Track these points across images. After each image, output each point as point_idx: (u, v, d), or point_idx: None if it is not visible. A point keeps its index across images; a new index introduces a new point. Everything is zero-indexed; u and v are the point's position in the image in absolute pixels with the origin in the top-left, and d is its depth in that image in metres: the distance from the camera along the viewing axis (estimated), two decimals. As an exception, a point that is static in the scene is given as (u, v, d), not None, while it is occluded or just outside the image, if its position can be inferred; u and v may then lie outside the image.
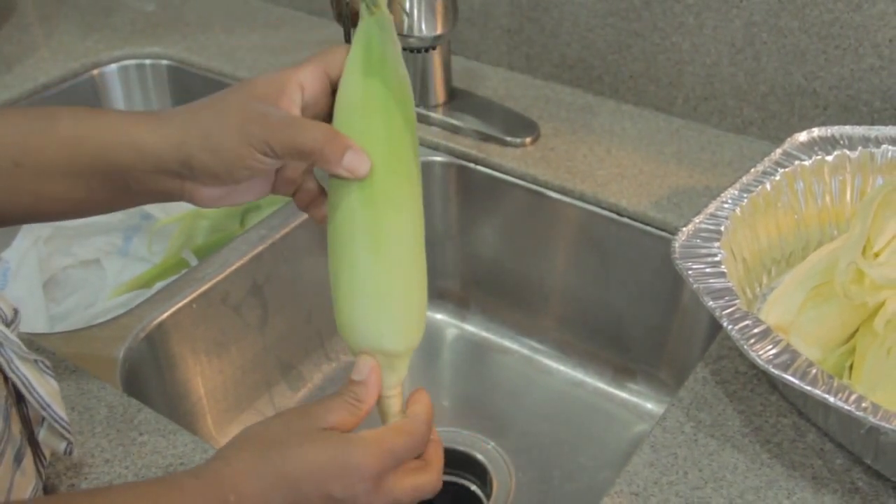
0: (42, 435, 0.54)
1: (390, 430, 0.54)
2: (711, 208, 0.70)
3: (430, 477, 0.55)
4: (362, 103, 0.54)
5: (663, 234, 0.85)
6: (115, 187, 0.57)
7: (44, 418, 0.53)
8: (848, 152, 0.75)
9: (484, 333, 1.03)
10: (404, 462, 0.54)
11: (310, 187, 0.60)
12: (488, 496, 0.87)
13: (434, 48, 0.97)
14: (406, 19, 0.93)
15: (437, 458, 0.56)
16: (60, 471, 0.62)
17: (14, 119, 0.58)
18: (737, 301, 0.61)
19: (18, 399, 0.52)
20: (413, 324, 0.55)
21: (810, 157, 0.75)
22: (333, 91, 0.56)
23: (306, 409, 0.54)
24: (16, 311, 0.52)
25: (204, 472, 0.51)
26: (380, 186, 0.53)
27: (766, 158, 0.74)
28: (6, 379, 0.51)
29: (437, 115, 0.99)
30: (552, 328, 0.99)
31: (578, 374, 0.98)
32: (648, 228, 0.86)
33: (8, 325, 0.51)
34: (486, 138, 0.97)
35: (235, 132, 0.53)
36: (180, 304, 0.81)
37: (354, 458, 0.51)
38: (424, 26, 0.93)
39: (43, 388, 0.52)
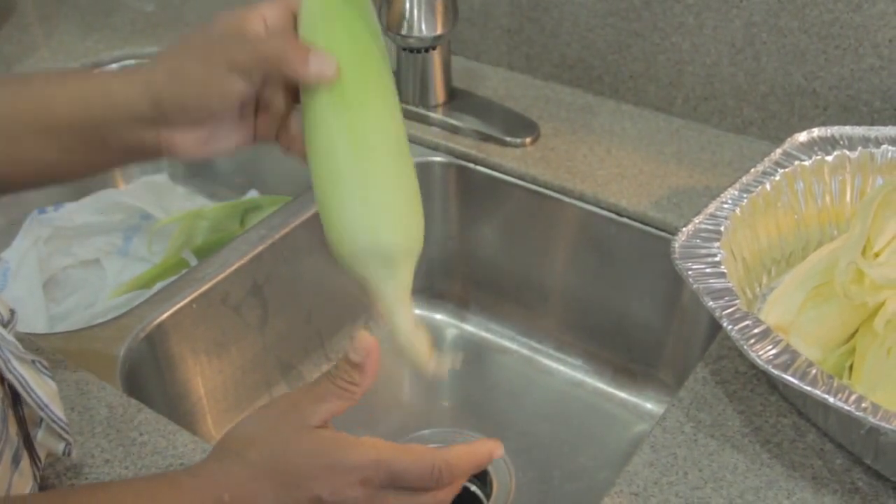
0: (40, 436, 0.54)
1: (397, 448, 0.51)
2: (711, 208, 0.70)
3: (433, 499, 0.52)
4: (322, 16, 0.54)
5: (663, 234, 0.85)
6: (89, 144, 0.56)
7: (42, 419, 0.53)
8: (848, 152, 0.75)
9: (484, 333, 1.03)
10: (404, 485, 0.51)
11: (292, 126, 0.59)
12: (488, 496, 0.87)
13: (434, 48, 0.97)
14: (406, 20, 0.93)
15: (448, 488, 0.52)
16: (60, 471, 0.62)
17: None
18: (737, 301, 0.61)
19: (14, 400, 0.52)
20: (408, 218, 0.53)
21: (810, 158, 0.75)
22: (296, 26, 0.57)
23: (296, 402, 0.51)
24: (12, 312, 0.52)
25: (200, 471, 0.51)
26: (350, 87, 0.52)
27: (766, 158, 0.74)
28: (2, 380, 0.51)
29: (436, 116, 0.99)
30: (552, 328, 0.99)
31: (578, 375, 0.98)
32: (648, 228, 0.86)
33: (5, 325, 0.51)
34: (486, 138, 0.97)
35: (201, 59, 0.53)
36: (180, 305, 0.81)
37: (347, 461, 0.50)
38: (424, 26, 0.93)
39: (41, 388, 0.52)
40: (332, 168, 0.52)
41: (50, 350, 0.72)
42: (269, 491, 0.50)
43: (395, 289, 0.53)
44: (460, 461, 0.52)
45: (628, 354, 0.95)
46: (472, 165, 0.96)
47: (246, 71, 0.53)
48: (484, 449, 0.53)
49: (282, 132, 0.59)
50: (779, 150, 0.75)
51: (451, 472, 0.51)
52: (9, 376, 0.50)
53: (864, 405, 0.54)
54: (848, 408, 0.54)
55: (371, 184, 0.52)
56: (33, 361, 0.52)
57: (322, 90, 0.53)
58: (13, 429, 0.52)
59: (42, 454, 0.56)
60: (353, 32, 0.54)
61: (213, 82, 0.53)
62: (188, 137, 0.56)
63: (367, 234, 0.51)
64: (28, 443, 0.54)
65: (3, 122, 0.55)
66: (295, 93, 0.58)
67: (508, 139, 0.96)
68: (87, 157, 0.57)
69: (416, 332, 0.53)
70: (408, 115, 1.00)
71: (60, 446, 0.55)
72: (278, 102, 0.58)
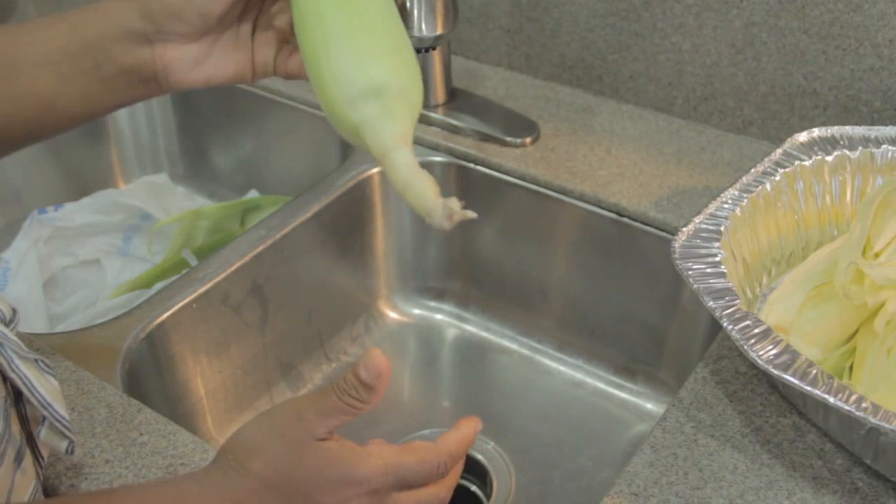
0: (43, 434, 0.54)
1: (401, 451, 0.52)
2: (711, 208, 0.70)
3: (437, 490, 0.53)
4: None
5: (663, 234, 0.85)
6: (86, 71, 0.56)
7: (44, 418, 0.53)
8: (848, 152, 0.75)
9: (484, 333, 1.03)
10: (411, 485, 0.52)
11: (289, 48, 0.58)
12: (488, 496, 0.87)
13: (434, 48, 0.97)
14: (406, 20, 0.93)
15: (451, 476, 0.54)
16: (60, 471, 0.62)
17: None
18: (737, 301, 0.61)
19: (17, 398, 0.52)
20: (398, 55, 0.51)
21: (810, 158, 0.75)
22: None
23: (302, 413, 0.51)
24: (14, 311, 0.52)
25: (205, 479, 0.51)
26: None
27: (766, 158, 0.74)
28: (5, 379, 0.51)
29: (436, 116, 0.99)
30: (552, 328, 0.99)
31: (578, 375, 0.98)
32: (648, 228, 0.86)
33: (7, 324, 0.51)
34: (486, 138, 0.97)
35: None
36: (180, 305, 0.81)
37: (354, 472, 0.50)
38: (424, 26, 0.93)
39: (44, 387, 0.52)
40: (318, 25, 0.51)
41: (50, 350, 0.72)
42: (274, 502, 0.50)
43: (392, 130, 0.49)
44: (458, 448, 0.53)
45: (628, 354, 0.95)
46: (472, 165, 0.96)
47: None
48: (469, 429, 0.55)
49: (279, 58, 0.58)
50: (779, 150, 0.75)
51: (453, 462, 0.53)
52: (12, 375, 0.50)
53: (864, 405, 0.54)
54: (848, 408, 0.54)
55: (358, 28, 0.50)
56: (36, 360, 0.52)
57: None
58: (16, 427, 0.52)
59: (45, 453, 0.56)
60: None
61: None
62: (183, 55, 0.55)
63: (358, 75, 0.49)
64: (31, 441, 0.54)
65: (3, 59, 0.55)
66: (290, 19, 0.57)
67: (508, 139, 0.96)
68: (83, 87, 0.56)
69: (418, 171, 0.48)
70: (408, 115, 1.00)
71: (63, 444, 0.55)
72: (275, 25, 0.58)
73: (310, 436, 0.50)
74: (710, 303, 0.62)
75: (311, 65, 0.52)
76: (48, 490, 0.61)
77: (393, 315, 1.04)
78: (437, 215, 0.48)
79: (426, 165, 0.97)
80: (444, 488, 0.53)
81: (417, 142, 0.98)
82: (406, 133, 0.49)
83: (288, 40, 0.59)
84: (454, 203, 0.48)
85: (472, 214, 0.48)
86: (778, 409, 0.65)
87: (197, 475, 0.51)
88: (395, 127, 0.49)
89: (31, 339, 0.74)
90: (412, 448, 0.52)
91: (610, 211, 0.88)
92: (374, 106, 0.49)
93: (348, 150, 1.02)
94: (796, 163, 0.74)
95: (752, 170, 0.73)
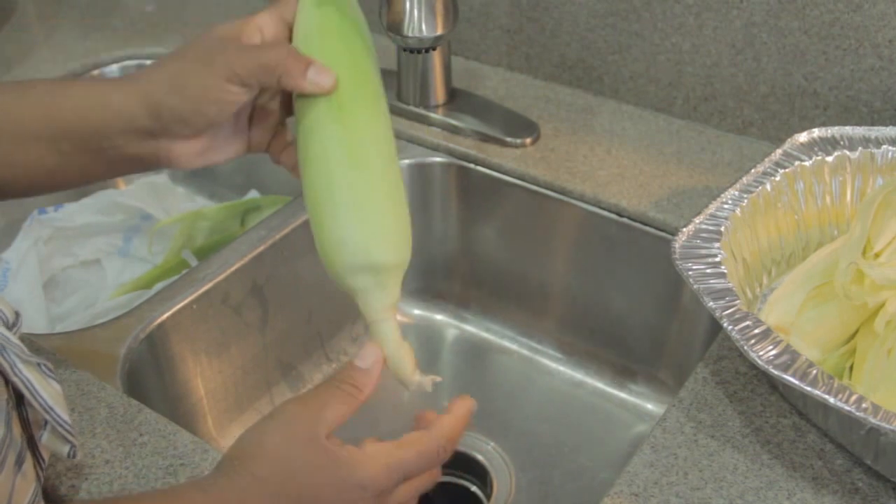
0: (45, 439, 0.54)
1: (400, 447, 0.53)
2: (711, 209, 0.70)
3: (431, 473, 0.55)
4: (319, 30, 0.55)
5: (663, 234, 0.85)
6: (89, 152, 0.56)
7: (46, 422, 0.53)
8: (848, 153, 0.75)
9: (484, 334, 1.03)
10: (414, 475, 0.53)
11: (284, 136, 0.60)
12: (488, 497, 0.87)
13: (434, 49, 0.97)
14: (406, 21, 0.93)
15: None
16: (61, 471, 0.61)
17: None
18: (737, 301, 0.61)
19: (18, 402, 0.52)
20: (399, 234, 0.54)
21: (810, 158, 0.75)
22: (290, 37, 0.57)
23: (301, 410, 0.52)
24: (17, 314, 0.52)
25: (209, 486, 0.51)
26: (348, 100, 0.53)
27: (766, 159, 0.74)
28: (7, 382, 0.51)
29: (436, 116, 0.99)
30: (552, 329, 0.99)
31: (579, 375, 0.98)
32: (648, 229, 0.86)
33: (10, 328, 0.51)
34: (486, 139, 0.97)
35: (200, 66, 0.53)
36: (180, 305, 0.81)
37: (359, 477, 0.50)
38: (424, 27, 0.93)
39: (46, 391, 0.52)
40: (326, 181, 0.53)
41: (50, 350, 0.72)
42: None
43: (383, 302, 0.54)
44: (454, 430, 0.55)
45: (628, 355, 0.95)
46: (472, 166, 0.96)
47: (244, 81, 0.53)
48: (464, 409, 0.57)
49: (274, 142, 0.60)
50: (779, 151, 0.75)
51: (452, 445, 0.55)
52: (14, 379, 0.50)
53: (864, 406, 0.54)
54: (848, 408, 0.54)
55: (364, 200, 0.52)
56: (38, 364, 0.52)
57: (318, 102, 0.53)
58: (17, 431, 0.52)
59: (46, 456, 0.56)
60: (351, 49, 0.55)
61: (212, 92, 0.53)
62: (186, 148, 0.56)
63: (359, 251, 0.52)
64: (32, 444, 0.54)
65: (4, 128, 0.56)
66: (288, 103, 0.58)
67: (508, 139, 0.96)
68: (85, 164, 0.57)
69: (402, 344, 0.55)
70: (408, 116, 1.00)
71: (65, 449, 0.55)
72: (272, 112, 0.59)
73: (313, 434, 0.51)
74: (711, 303, 0.62)
75: (310, 207, 0.54)
76: (48, 491, 0.61)
77: (393, 315, 1.04)
78: (411, 387, 0.55)
79: (426, 165, 0.98)
80: (436, 471, 0.56)
81: (418, 142, 0.98)
82: (395, 298, 0.54)
83: (281, 123, 0.60)
84: (427, 383, 0.56)
85: (436, 380, 0.56)
86: (778, 410, 0.65)
87: (201, 482, 0.51)
88: (386, 299, 0.54)
89: (31, 340, 0.74)
90: (409, 441, 0.53)
91: (610, 211, 0.88)
92: (370, 279, 0.53)
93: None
94: (796, 163, 0.74)
95: (753, 170, 0.73)
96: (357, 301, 0.55)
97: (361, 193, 0.52)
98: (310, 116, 0.54)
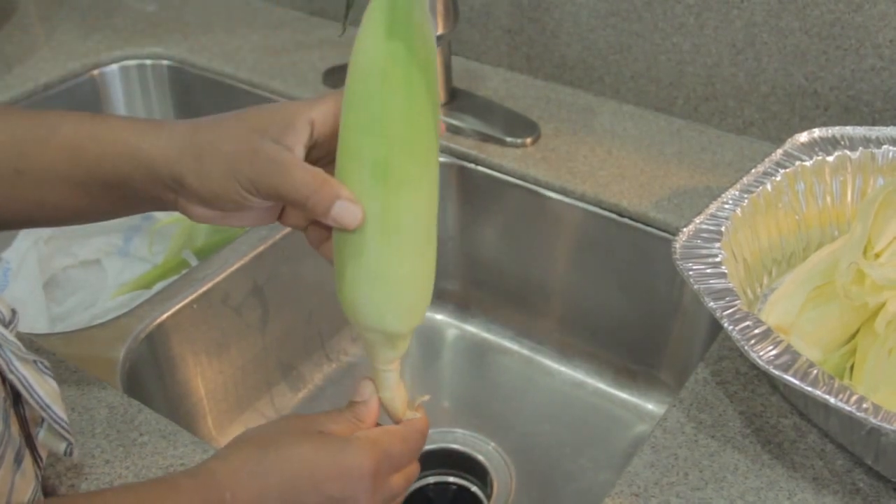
0: (42, 436, 0.54)
1: (387, 433, 0.55)
2: (712, 209, 0.70)
3: (415, 465, 0.58)
4: (382, 73, 0.48)
5: (664, 234, 0.85)
6: (115, 195, 0.57)
7: (43, 419, 0.53)
8: (849, 153, 0.75)
9: (484, 334, 1.03)
10: (400, 466, 0.55)
11: (323, 227, 0.55)
12: (489, 497, 0.87)
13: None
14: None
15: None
16: (60, 471, 0.61)
17: (15, 124, 0.57)
18: (737, 302, 0.61)
19: (16, 400, 0.52)
20: (418, 307, 0.53)
21: (811, 158, 0.75)
22: None
23: (308, 415, 0.55)
24: (14, 312, 0.52)
25: (201, 471, 0.51)
26: (395, 167, 0.49)
27: (766, 159, 0.74)
28: (4, 380, 0.51)
29: (437, 116, 0.99)
30: (553, 329, 0.99)
31: (579, 375, 0.98)
32: (649, 229, 0.86)
33: (6, 325, 0.51)
34: (487, 139, 0.96)
35: (224, 164, 0.51)
36: (181, 305, 0.81)
37: (352, 458, 0.51)
38: (425, 27, 0.93)
39: (42, 388, 0.52)
40: (356, 242, 0.50)
41: (50, 350, 0.72)
42: (274, 489, 0.50)
43: (388, 356, 0.55)
44: (424, 423, 0.58)
45: (629, 355, 0.95)
46: (472, 166, 0.96)
47: (264, 197, 0.51)
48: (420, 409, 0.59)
49: (313, 230, 0.56)
50: (780, 151, 0.75)
51: (423, 437, 0.57)
52: (10, 377, 0.50)
53: (865, 406, 0.54)
54: (849, 409, 0.54)
55: (389, 272, 0.51)
56: (35, 361, 0.52)
57: (364, 161, 0.49)
58: (15, 428, 0.52)
59: (44, 454, 0.56)
60: (413, 104, 0.49)
61: (230, 194, 0.52)
62: (204, 212, 0.55)
63: (373, 316, 0.52)
64: (30, 442, 0.54)
65: (31, 166, 0.56)
66: None
67: (509, 139, 0.96)
68: (112, 204, 0.58)
69: (398, 390, 0.57)
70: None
71: (62, 446, 0.55)
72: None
73: (313, 428, 0.53)
74: (711, 303, 0.61)
75: (337, 259, 0.52)
76: (48, 491, 0.61)
77: (393, 315, 1.04)
78: (398, 420, 0.58)
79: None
80: (416, 462, 0.58)
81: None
82: (401, 353, 0.55)
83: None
84: (410, 415, 0.59)
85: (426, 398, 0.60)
86: (779, 410, 0.65)
87: (192, 469, 0.52)
88: (392, 354, 0.55)
89: (31, 340, 0.74)
90: (390, 430, 0.56)
91: (610, 211, 0.88)
92: (381, 337, 0.54)
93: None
94: (797, 163, 0.74)
95: (753, 170, 0.73)
96: (365, 347, 0.56)
97: (389, 268, 0.50)
98: (354, 171, 0.50)
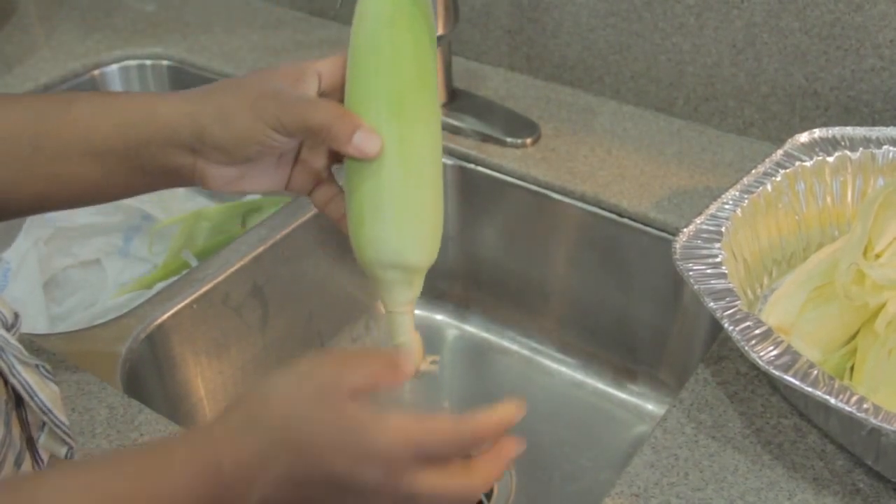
0: (43, 439, 0.54)
1: (424, 422, 0.46)
2: (712, 209, 0.70)
3: (469, 482, 0.47)
4: (390, 19, 0.53)
5: (664, 234, 0.85)
6: (130, 166, 0.57)
7: (44, 423, 0.53)
8: (849, 153, 0.75)
9: (484, 334, 1.03)
10: (438, 461, 0.47)
11: (329, 187, 0.59)
12: (489, 497, 0.87)
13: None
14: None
15: (489, 464, 0.49)
16: (61, 472, 0.61)
17: (32, 104, 0.58)
18: (738, 302, 0.61)
19: (17, 402, 0.52)
20: (435, 238, 0.54)
21: (811, 158, 0.75)
22: None
23: (327, 364, 0.48)
24: (16, 315, 0.52)
25: (197, 436, 0.48)
26: (409, 103, 0.52)
27: (766, 159, 0.74)
28: (6, 384, 0.51)
29: (437, 116, 0.99)
30: (553, 329, 0.99)
31: (579, 375, 0.98)
32: (649, 229, 0.86)
33: (9, 329, 0.51)
34: (487, 139, 0.96)
35: (249, 106, 0.53)
36: (181, 305, 0.81)
37: (371, 439, 0.45)
38: (425, 27, 0.93)
39: (44, 392, 0.51)
40: (375, 177, 0.52)
41: (50, 350, 0.72)
42: (280, 459, 0.45)
43: (405, 297, 0.55)
44: (486, 425, 0.49)
45: (629, 355, 0.95)
46: (472, 166, 0.96)
47: (290, 132, 0.53)
48: (508, 411, 0.51)
49: (319, 191, 0.59)
50: (780, 151, 0.75)
51: (475, 437, 0.48)
52: (13, 380, 0.50)
53: (865, 406, 0.54)
54: (849, 409, 0.54)
55: (411, 205, 0.53)
56: (37, 366, 0.52)
57: (380, 98, 0.52)
58: (16, 431, 0.52)
59: (45, 457, 0.56)
60: (419, 46, 0.54)
61: (256, 135, 0.53)
62: (221, 171, 0.56)
63: (394, 251, 0.53)
64: (31, 445, 0.54)
65: (49, 143, 0.56)
66: (334, 151, 0.58)
67: (509, 140, 0.95)
68: (127, 178, 0.58)
69: (414, 335, 0.56)
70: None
71: (63, 450, 0.55)
72: (317, 159, 0.59)
73: (333, 387, 0.46)
74: (711, 303, 0.61)
75: (354, 208, 0.54)
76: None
77: (393, 315, 1.04)
78: (417, 374, 0.55)
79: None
80: (478, 479, 0.48)
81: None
82: (417, 294, 0.55)
83: (327, 171, 0.59)
84: (433, 369, 0.56)
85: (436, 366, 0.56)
86: (779, 411, 0.65)
87: (188, 432, 0.49)
88: (408, 295, 0.55)
89: (31, 340, 0.74)
90: (434, 423, 0.47)
91: (610, 212, 0.88)
92: (399, 274, 0.53)
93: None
94: (797, 163, 0.74)
95: (753, 170, 0.73)
96: (380, 291, 0.55)
97: (409, 198, 0.52)
98: (370, 108, 0.53)
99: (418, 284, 0.55)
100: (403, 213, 0.53)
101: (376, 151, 0.52)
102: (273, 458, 0.45)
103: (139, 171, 0.57)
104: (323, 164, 0.59)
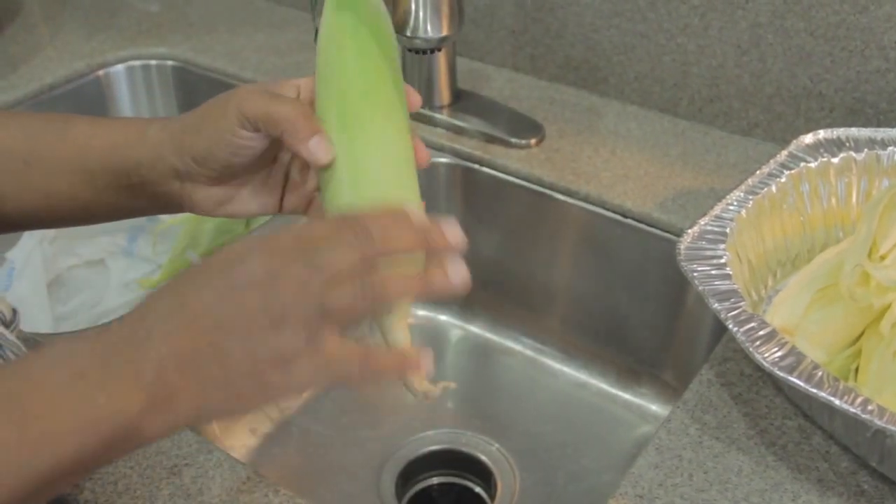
0: None
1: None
2: (717, 210, 0.70)
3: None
4: (334, 39, 0.54)
5: (668, 235, 0.85)
6: (121, 187, 0.58)
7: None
8: (854, 154, 0.75)
9: (488, 335, 1.03)
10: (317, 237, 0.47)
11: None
12: (492, 498, 0.87)
13: (439, 50, 0.97)
14: (411, 21, 0.93)
15: (384, 351, 0.53)
16: (65, 471, 0.61)
17: (27, 122, 0.59)
18: (742, 303, 0.61)
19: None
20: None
21: (816, 159, 0.74)
22: None
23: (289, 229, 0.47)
24: (15, 312, 0.52)
25: (135, 308, 0.46)
26: (351, 117, 0.53)
27: (771, 160, 0.74)
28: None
29: (441, 117, 0.99)
30: (556, 330, 0.99)
31: (583, 376, 0.98)
32: (653, 230, 0.86)
33: (7, 325, 0.51)
34: (491, 140, 0.96)
35: (218, 110, 0.54)
36: (185, 305, 0.80)
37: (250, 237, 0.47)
38: (430, 28, 0.93)
39: None
40: (328, 188, 0.53)
41: (54, 350, 0.72)
42: (163, 292, 0.45)
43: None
44: (373, 212, 0.48)
45: (633, 356, 0.95)
46: (476, 167, 0.96)
47: (253, 125, 0.53)
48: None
49: (312, 210, 0.60)
50: (784, 152, 0.75)
51: (360, 218, 0.47)
52: (9, 377, 0.50)
53: (870, 407, 0.54)
54: (854, 410, 0.54)
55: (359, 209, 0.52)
56: None
57: (330, 118, 0.53)
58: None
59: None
60: (363, 57, 0.54)
61: (224, 135, 0.54)
62: (209, 194, 0.57)
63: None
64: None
65: (41, 157, 0.57)
66: None
67: (513, 140, 0.95)
68: (116, 199, 0.59)
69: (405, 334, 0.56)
70: (413, 117, 0.99)
71: None
72: (309, 182, 0.59)
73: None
74: (716, 304, 0.61)
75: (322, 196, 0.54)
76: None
77: (397, 316, 1.04)
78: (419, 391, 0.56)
79: (431, 167, 0.98)
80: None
81: (423, 143, 0.98)
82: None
83: (318, 199, 0.59)
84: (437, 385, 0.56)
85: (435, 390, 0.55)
86: (783, 412, 0.65)
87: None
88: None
89: (35, 339, 0.74)
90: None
91: (614, 212, 0.88)
92: None
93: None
94: (802, 165, 0.74)
95: (758, 171, 0.73)
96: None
97: (355, 206, 0.52)
98: (323, 122, 0.54)
99: None
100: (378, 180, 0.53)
101: (327, 160, 0.52)
102: (156, 297, 0.45)
103: (129, 192, 0.58)
104: (314, 184, 0.59)
